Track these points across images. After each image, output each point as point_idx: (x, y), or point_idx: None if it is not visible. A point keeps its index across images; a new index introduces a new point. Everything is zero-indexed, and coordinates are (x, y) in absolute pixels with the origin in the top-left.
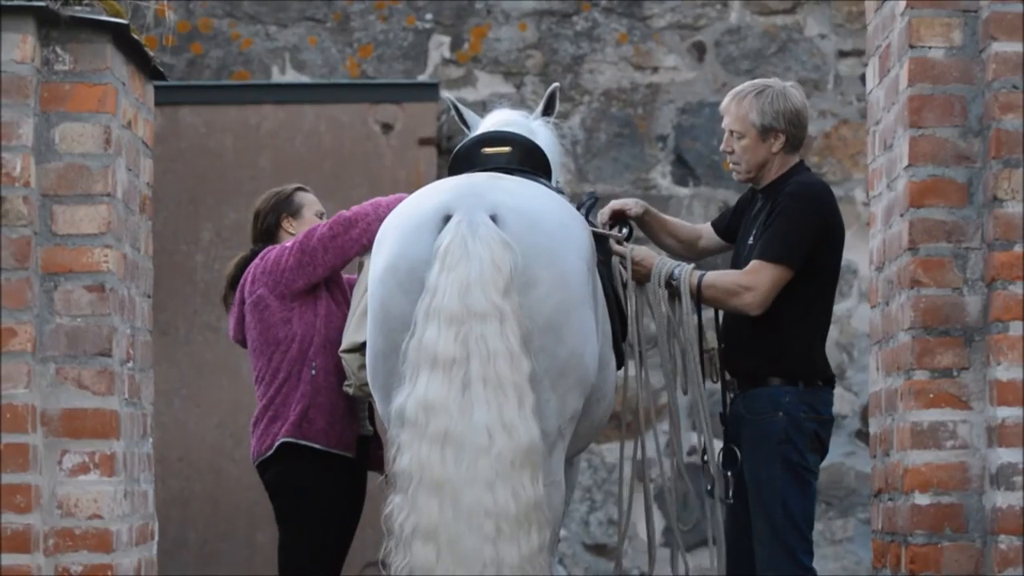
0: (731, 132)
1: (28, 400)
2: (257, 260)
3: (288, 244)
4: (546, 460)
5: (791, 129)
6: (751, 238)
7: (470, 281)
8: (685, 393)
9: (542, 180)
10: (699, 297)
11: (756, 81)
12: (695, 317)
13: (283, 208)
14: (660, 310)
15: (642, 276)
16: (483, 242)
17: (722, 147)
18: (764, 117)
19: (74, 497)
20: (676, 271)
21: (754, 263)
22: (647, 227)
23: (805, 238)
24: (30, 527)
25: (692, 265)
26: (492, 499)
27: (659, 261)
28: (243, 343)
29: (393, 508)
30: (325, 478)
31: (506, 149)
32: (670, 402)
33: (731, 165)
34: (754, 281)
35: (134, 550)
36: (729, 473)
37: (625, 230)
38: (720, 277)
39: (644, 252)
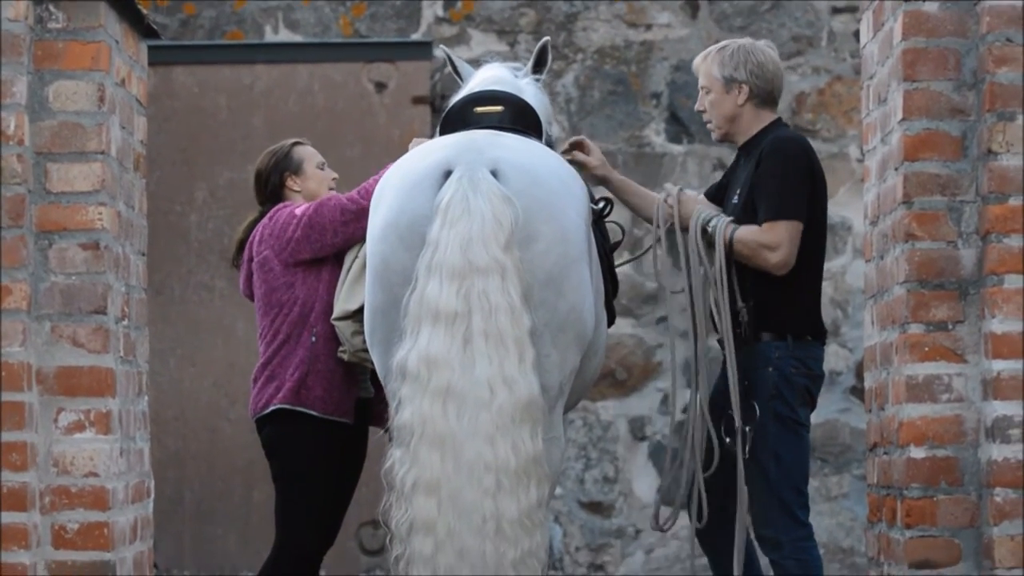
0: (702, 88)
1: (23, 358)
2: (265, 220)
3: (298, 211)
4: (546, 415)
5: (754, 80)
6: (736, 196)
7: (472, 236)
8: (721, 346)
9: (534, 139)
10: (731, 251)
11: (726, 40)
12: (725, 270)
13: (284, 166)
14: (695, 260)
15: (684, 219)
16: (484, 197)
17: (696, 106)
18: (724, 68)
19: (70, 455)
20: (713, 220)
21: (767, 224)
22: (613, 194)
23: (802, 189)
24: (26, 485)
25: (730, 218)
26: (492, 453)
27: (699, 207)
28: (252, 298)
29: (394, 462)
30: (321, 442)
31: (498, 108)
32: (696, 356)
33: (707, 124)
34: (774, 239)
35: (130, 508)
36: (748, 428)
37: (602, 203)
38: (747, 234)
39: (689, 194)
